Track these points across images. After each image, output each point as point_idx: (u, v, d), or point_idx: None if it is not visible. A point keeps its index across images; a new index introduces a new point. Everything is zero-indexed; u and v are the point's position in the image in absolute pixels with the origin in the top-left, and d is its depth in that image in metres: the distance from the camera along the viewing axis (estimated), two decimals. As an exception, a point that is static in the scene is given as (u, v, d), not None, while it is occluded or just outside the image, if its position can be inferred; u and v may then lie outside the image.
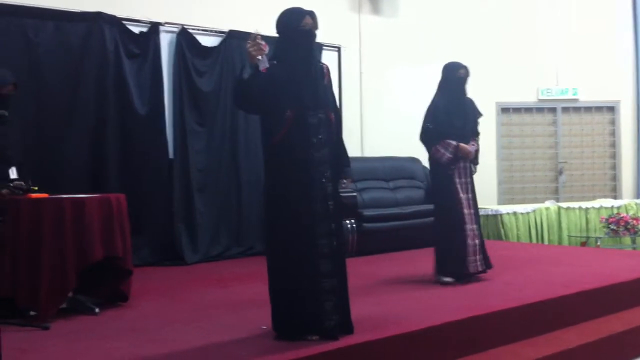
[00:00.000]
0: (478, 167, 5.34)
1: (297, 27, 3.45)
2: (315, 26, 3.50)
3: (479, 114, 5.35)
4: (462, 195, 5.03)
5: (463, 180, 5.09)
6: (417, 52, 8.91)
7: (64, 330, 3.73)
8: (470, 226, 4.99)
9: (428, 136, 5.14)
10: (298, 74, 3.44)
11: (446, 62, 5.27)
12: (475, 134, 5.29)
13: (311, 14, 3.47)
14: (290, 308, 3.37)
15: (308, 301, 3.33)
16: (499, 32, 9.54)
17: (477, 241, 5.01)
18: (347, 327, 3.40)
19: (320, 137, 3.41)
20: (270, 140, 3.43)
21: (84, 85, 6.18)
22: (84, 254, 4.00)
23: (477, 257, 4.99)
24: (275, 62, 3.45)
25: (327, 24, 7.79)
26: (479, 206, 5.29)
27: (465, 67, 5.19)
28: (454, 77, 5.16)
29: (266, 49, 3.35)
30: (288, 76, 3.41)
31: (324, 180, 3.41)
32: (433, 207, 5.36)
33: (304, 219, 3.35)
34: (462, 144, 5.03)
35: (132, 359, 3.13)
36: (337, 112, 3.70)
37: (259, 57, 3.34)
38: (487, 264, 5.09)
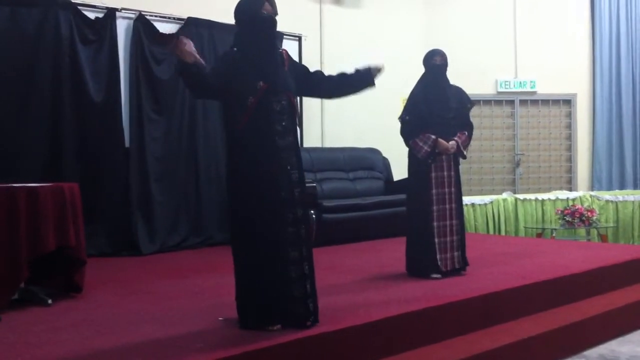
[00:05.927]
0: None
1: (256, 13, 3.41)
2: (275, 12, 3.48)
3: (471, 103, 5.12)
4: (435, 191, 4.77)
5: (442, 174, 4.82)
6: (378, 43, 8.90)
7: (15, 322, 3.64)
8: (441, 223, 4.77)
9: (406, 129, 4.90)
10: (259, 61, 3.40)
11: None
12: (466, 124, 5.03)
13: (269, 0, 3.44)
14: (255, 296, 3.34)
15: (275, 289, 3.32)
16: (460, 24, 9.61)
17: (450, 238, 4.79)
18: (316, 316, 3.39)
19: (284, 124, 3.39)
20: (233, 127, 3.40)
21: (39, 72, 6.04)
22: (37, 243, 3.91)
23: (452, 254, 4.79)
24: (235, 49, 3.44)
25: (288, 13, 7.78)
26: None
27: (441, 54, 4.94)
28: (429, 65, 4.94)
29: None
30: (249, 63, 3.38)
31: (289, 167, 3.39)
32: (406, 201, 5.16)
33: (271, 207, 3.33)
34: (440, 140, 4.77)
35: (84, 351, 3.06)
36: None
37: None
38: (464, 261, 4.90)
